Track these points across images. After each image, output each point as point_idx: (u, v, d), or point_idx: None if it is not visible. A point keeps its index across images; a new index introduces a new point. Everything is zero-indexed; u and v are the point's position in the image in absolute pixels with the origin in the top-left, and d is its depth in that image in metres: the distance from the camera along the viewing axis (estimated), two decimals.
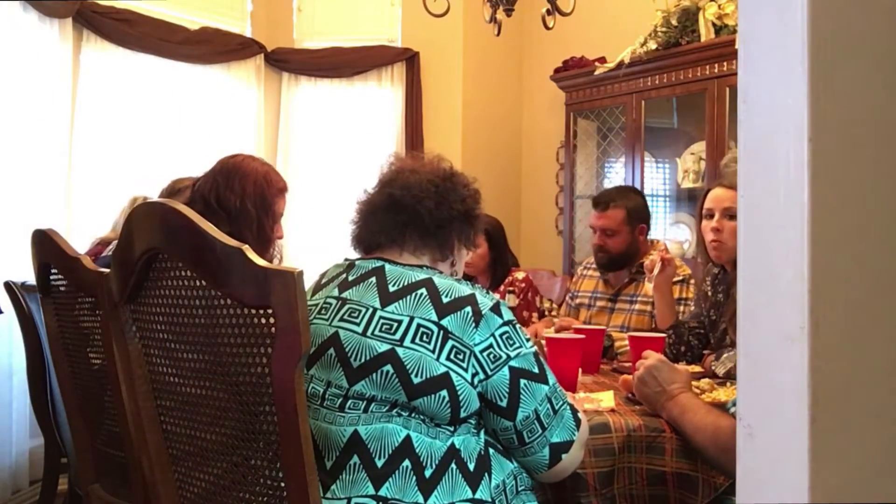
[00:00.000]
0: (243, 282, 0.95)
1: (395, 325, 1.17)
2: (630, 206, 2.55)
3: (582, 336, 1.86)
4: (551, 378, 1.24)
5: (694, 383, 1.69)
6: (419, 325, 1.16)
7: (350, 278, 1.28)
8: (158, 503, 1.17)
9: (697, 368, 2.02)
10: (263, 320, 0.95)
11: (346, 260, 1.35)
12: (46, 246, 1.49)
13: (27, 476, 3.07)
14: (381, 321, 1.18)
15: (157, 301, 1.12)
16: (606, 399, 1.56)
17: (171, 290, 1.08)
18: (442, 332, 1.15)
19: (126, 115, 3.70)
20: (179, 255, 1.04)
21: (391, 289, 1.21)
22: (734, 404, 1.31)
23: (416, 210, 1.30)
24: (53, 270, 1.55)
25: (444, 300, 1.18)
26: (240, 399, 1.02)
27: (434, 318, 1.16)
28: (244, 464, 1.05)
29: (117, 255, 1.16)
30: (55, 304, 1.58)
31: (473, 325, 1.17)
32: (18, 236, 2.96)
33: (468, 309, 1.17)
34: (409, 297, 1.19)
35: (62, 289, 1.54)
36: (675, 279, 2.46)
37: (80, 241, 3.01)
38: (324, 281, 1.35)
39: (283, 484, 0.98)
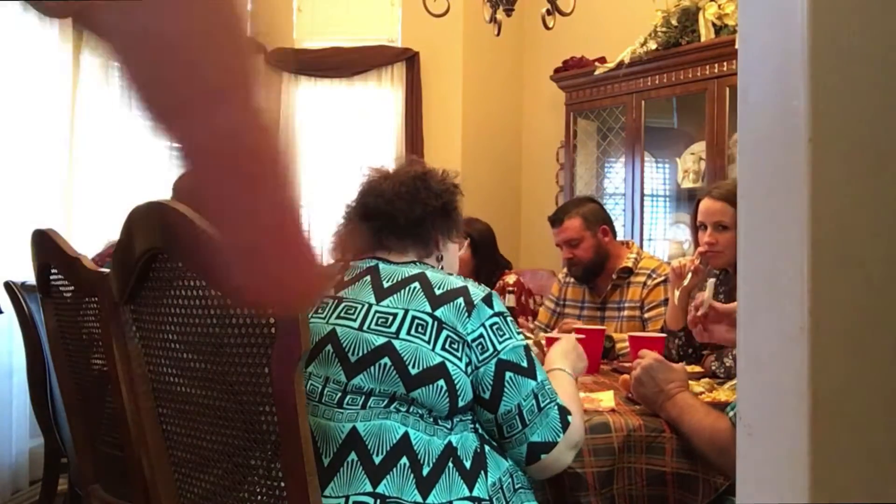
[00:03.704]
0: None
1: (391, 318, 1.19)
2: (584, 211, 2.55)
3: (582, 336, 1.86)
4: (541, 374, 1.24)
5: (693, 383, 1.69)
6: (414, 317, 1.18)
7: (346, 278, 1.30)
8: (158, 503, 1.17)
9: (698, 368, 2.02)
10: (263, 320, 0.95)
11: (338, 261, 1.37)
12: (46, 246, 1.49)
13: (27, 476, 3.07)
14: (377, 315, 1.20)
15: (158, 301, 1.12)
16: (606, 399, 1.56)
17: (171, 291, 1.08)
18: (436, 322, 1.18)
19: (126, 116, 3.70)
20: (179, 255, 1.04)
21: (385, 285, 1.24)
22: (733, 408, 1.31)
23: (389, 213, 1.33)
24: (53, 270, 1.55)
25: (437, 292, 1.21)
26: (239, 399, 1.02)
27: (428, 309, 1.19)
28: (245, 464, 1.05)
29: (117, 255, 1.16)
30: (55, 304, 1.58)
31: (466, 314, 1.19)
32: (18, 236, 2.96)
33: (461, 300, 1.20)
34: (402, 291, 1.22)
35: (65, 293, 1.54)
36: (658, 279, 2.46)
37: (80, 241, 3.01)
38: None
39: (283, 484, 0.98)
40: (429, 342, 1.17)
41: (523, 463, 1.23)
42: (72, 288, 1.51)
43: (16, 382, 3.01)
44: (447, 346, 1.17)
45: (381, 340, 1.17)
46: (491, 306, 1.22)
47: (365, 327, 1.19)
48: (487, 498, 1.16)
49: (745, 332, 0.66)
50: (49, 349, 1.71)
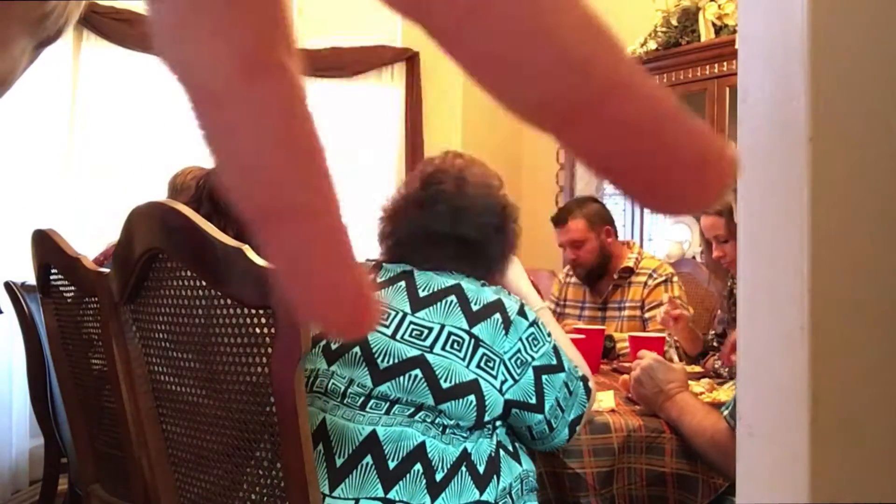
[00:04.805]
0: (243, 282, 0.95)
1: (426, 331, 1.18)
2: (587, 212, 2.56)
3: (582, 336, 1.86)
4: (566, 363, 1.26)
5: (693, 383, 1.69)
6: (450, 333, 1.17)
7: (378, 280, 1.29)
8: (158, 503, 1.17)
9: (698, 368, 2.02)
10: (263, 320, 0.95)
11: (370, 261, 1.35)
12: (46, 246, 1.49)
13: (27, 476, 3.08)
14: (412, 326, 1.19)
15: (158, 301, 1.12)
16: (606, 399, 1.56)
17: (171, 291, 1.08)
18: (473, 340, 1.17)
19: (126, 115, 3.70)
20: (179, 255, 1.04)
21: (421, 294, 1.22)
22: (727, 408, 1.32)
23: (456, 236, 1.25)
24: (53, 270, 1.55)
25: (474, 308, 1.20)
26: (239, 399, 1.02)
27: (465, 326, 1.18)
28: (244, 464, 1.05)
29: (117, 255, 1.17)
30: (55, 304, 1.58)
31: (503, 332, 1.19)
32: (18, 236, 2.96)
33: (497, 316, 1.19)
34: (439, 304, 1.20)
35: (65, 293, 1.54)
36: (658, 279, 2.46)
37: (80, 241, 3.01)
38: None
39: (283, 483, 0.98)
40: (464, 359, 1.16)
41: (564, 442, 1.27)
42: (72, 288, 1.51)
43: (16, 383, 3.01)
44: (482, 364, 1.17)
45: (414, 352, 1.16)
46: (525, 318, 1.21)
47: (398, 336, 1.18)
48: (494, 502, 1.16)
49: (745, 332, 0.66)
50: (49, 349, 1.71)
